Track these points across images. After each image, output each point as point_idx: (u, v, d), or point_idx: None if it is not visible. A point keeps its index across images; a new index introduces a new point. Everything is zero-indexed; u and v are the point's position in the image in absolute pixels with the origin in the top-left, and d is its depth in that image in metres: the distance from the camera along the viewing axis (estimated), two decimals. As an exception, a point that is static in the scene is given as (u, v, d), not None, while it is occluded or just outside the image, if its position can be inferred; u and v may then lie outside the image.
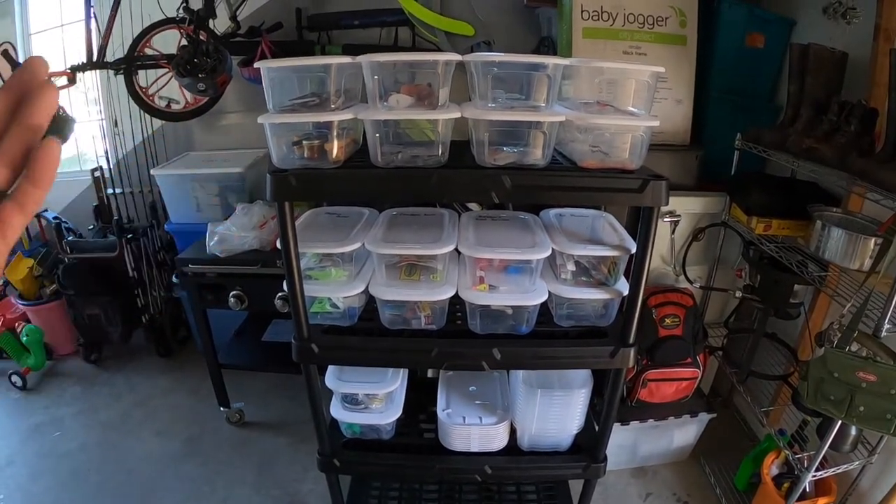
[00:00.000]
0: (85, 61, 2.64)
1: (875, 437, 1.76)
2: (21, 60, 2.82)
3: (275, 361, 2.45)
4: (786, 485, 1.88)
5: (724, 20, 2.27)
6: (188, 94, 2.59)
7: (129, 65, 2.59)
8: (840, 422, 1.58)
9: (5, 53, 2.66)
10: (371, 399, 1.68)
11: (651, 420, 2.13)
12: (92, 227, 3.05)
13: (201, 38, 2.38)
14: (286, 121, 1.32)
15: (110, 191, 2.98)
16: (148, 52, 2.61)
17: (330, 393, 1.72)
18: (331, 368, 1.72)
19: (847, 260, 1.67)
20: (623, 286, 1.48)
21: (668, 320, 2.02)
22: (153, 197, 2.97)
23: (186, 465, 2.36)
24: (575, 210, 1.72)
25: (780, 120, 2.02)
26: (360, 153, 1.42)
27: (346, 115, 1.31)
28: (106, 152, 2.96)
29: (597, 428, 1.70)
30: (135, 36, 2.60)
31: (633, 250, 1.43)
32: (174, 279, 2.70)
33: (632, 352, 1.49)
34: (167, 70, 2.54)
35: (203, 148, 2.87)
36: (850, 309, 1.57)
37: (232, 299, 2.11)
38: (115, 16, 2.59)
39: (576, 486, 1.93)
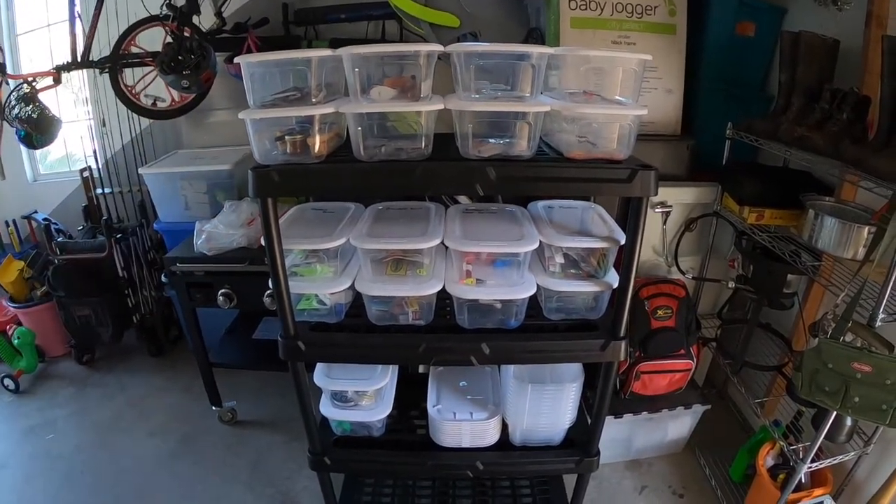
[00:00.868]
0: (70, 61, 2.62)
1: (870, 427, 1.75)
2: (7, 61, 2.80)
3: (266, 359, 2.43)
4: (781, 476, 1.87)
5: (714, 8, 2.24)
6: (174, 92, 2.57)
7: (114, 63, 2.56)
8: (835, 413, 1.57)
9: (-8, 54, 2.64)
10: (361, 396, 1.67)
11: (645, 413, 2.12)
12: (82, 227, 3.02)
13: (185, 34, 2.36)
14: (267, 116, 1.30)
15: (99, 191, 2.96)
16: (133, 50, 2.58)
17: (320, 391, 1.70)
18: (319, 366, 1.70)
19: (840, 249, 1.65)
20: (613, 278, 1.47)
21: (660, 312, 2.01)
22: (142, 196, 2.95)
23: (180, 465, 2.34)
24: (564, 202, 1.71)
25: (772, 109, 2.00)
26: (345, 148, 1.41)
27: (328, 109, 1.29)
28: (94, 152, 2.94)
29: (589, 422, 1.69)
30: (119, 34, 2.58)
31: (623, 241, 1.41)
32: (164, 278, 2.68)
33: (623, 344, 1.47)
34: (152, 68, 2.51)
35: (192, 146, 2.85)
36: (844, 299, 1.55)
37: (220, 298, 2.09)
38: (99, 14, 2.57)
39: (570, 481, 1.91)
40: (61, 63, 2.62)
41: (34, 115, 2.55)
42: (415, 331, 1.50)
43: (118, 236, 2.76)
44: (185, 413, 2.63)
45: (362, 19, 2.63)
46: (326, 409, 1.70)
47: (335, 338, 1.51)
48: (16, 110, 2.55)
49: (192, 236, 2.15)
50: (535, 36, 2.46)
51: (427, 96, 1.31)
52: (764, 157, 2.25)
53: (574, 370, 1.65)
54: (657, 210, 2.09)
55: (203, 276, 2.13)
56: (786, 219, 1.93)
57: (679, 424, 2.24)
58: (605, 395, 1.57)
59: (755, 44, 2.29)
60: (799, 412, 1.92)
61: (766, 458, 1.96)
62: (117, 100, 2.65)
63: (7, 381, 2.81)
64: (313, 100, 1.32)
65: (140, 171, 2.57)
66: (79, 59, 2.61)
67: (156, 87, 2.62)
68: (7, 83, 2.66)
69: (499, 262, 1.47)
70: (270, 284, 1.41)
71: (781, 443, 1.85)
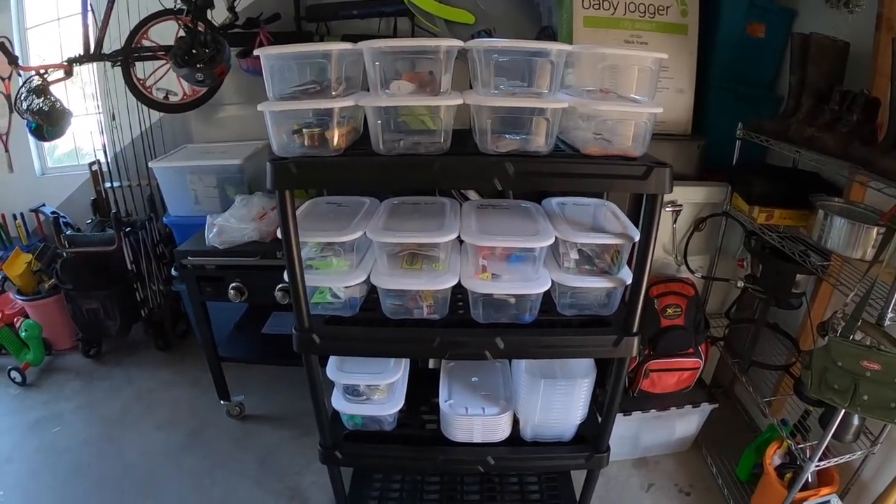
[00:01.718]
0: (82, 53, 2.63)
1: (877, 427, 1.75)
2: (18, 54, 2.81)
3: (275, 354, 2.43)
4: (788, 475, 1.87)
5: (725, 9, 2.25)
6: (186, 86, 2.58)
7: (127, 56, 2.57)
8: (843, 411, 1.57)
9: (2, 47, 2.65)
10: (373, 390, 1.68)
11: (653, 410, 2.12)
12: (90, 221, 3.03)
13: (199, 28, 2.36)
14: (287, 108, 1.31)
15: (108, 184, 2.97)
16: (145, 43, 2.59)
17: (331, 385, 1.71)
18: (332, 360, 1.71)
19: (849, 249, 1.66)
20: (626, 275, 1.48)
21: (669, 310, 2.01)
22: (151, 190, 2.95)
23: (187, 459, 2.34)
24: (577, 199, 1.72)
25: (782, 110, 2.01)
26: (361, 141, 1.41)
27: (348, 102, 1.30)
28: (104, 146, 2.95)
29: (599, 418, 1.69)
30: (132, 27, 2.58)
31: (637, 238, 1.42)
32: (173, 272, 2.68)
33: (635, 341, 1.48)
34: (165, 62, 2.52)
35: (201, 140, 2.86)
36: (854, 298, 1.56)
37: (231, 291, 2.10)
38: (112, 7, 2.58)
39: (578, 478, 1.93)
40: (73, 56, 2.63)
41: (45, 108, 2.56)
42: (429, 325, 1.50)
43: (127, 230, 2.76)
44: (193, 407, 2.63)
45: (374, 16, 2.63)
46: (338, 402, 1.71)
47: (350, 331, 1.51)
48: (27, 102, 2.56)
49: (202, 230, 2.16)
50: (548, 34, 2.46)
51: (446, 91, 1.32)
52: (773, 158, 2.25)
53: (586, 366, 1.66)
54: (667, 209, 2.10)
55: (214, 269, 2.13)
56: (795, 219, 1.94)
57: (686, 423, 2.24)
58: (616, 391, 1.58)
59: (766, 45, 2.30)
60: (806, 411, 1.93)
61: (774, 456, 1.96)
62: (127, 93, 2.66)
63: (14, 374, 2.81)
64: (333, 93, 1.32)
65: (150, 164, 2.58)
66: (91, 52, 2.62)
67: (167, 81, 2.63)
68: (19, 75, 2.67)
69: (514, 258, 1.48)
70: (286, 277, 1.41)
71: (789, 441, 1.85)
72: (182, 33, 2.43)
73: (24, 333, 2.85)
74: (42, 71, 2.61)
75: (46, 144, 3.37)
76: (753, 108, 2.23)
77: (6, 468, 2.33)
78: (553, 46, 1.27)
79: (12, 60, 2.66)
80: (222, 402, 2.49)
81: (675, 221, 2.14)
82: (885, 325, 1.45)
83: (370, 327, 1.51)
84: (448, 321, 1.51)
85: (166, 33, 2.55)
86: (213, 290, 2.15)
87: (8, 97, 2.89)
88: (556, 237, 1.44)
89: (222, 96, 2.68)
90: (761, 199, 1.96)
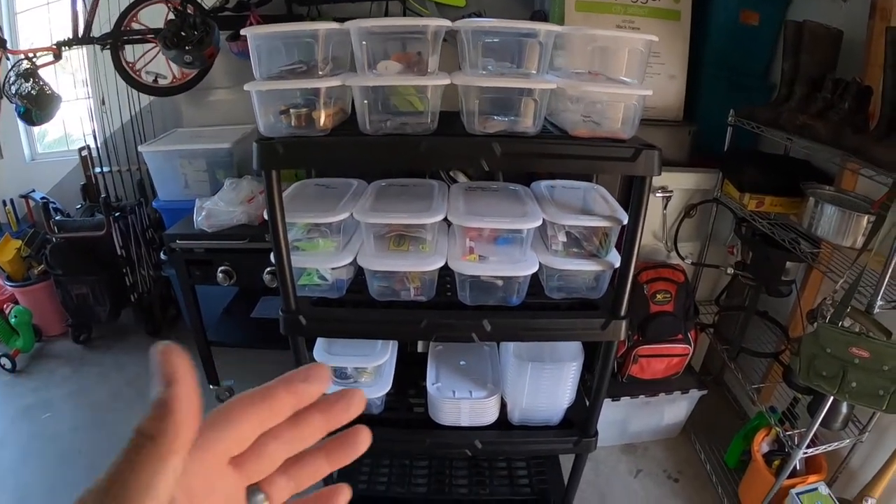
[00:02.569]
0: (71, 37, 2.60)
1: (866, 415, 1.75)
2: (7, 37, 2.77)
3: (264, 338, 2.43)
4: (776, 462, 1.88)
5: (719, -4, 2.24)
6: (175, 69, 2.55)
7: (116, 40, 2.55)
8: (832, 398, 1.58)
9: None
10: (360, 373, 1.67)
11: (642, 396, 2.13)
12: (80, 206, 3.01)
13: (189, 10, 2.34)
14: (273, 88, 1.29)
15: (98, 170, 2.95)
16: (134, 26, 2.56)
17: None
18: (319, 342, 1.70)
19: (840, 237, 1.66)
20: (615, 258, 1.47)
21: (659, 296, 2.02)
22: (141, 175, 2.94)
23: (176, 444, 2.33)
24: (566, 182, 1.71)
25: (774, 97, 2.01)
26: (349, 123, 1.40)
27: (334, 82, 1.29)
28: (93, 131, 2.93)
29: (587, 402, 1.69)
30: (121, 11, 2.56)
31: (625, 221, 1.41)
32: (162, 256, 2.67)
33: (623, 324, 1.47)
34: (154, 45, 2.49)
35: (191, 124, 2.83)
36: (843, 285, 1.56)
37: (220, 275, 2.09)
38: (101, -10, 2.55)
39: (566, 462, 1.93)
40: (62, 39, 2.60)
41: (33, 92, 2.54)
42: (416, 307, 1.50)
43: (117, 215, 2.75)
44: (183, 392, 2.61)
45: (365, -1, 2.61)
46: (326, 385, 1.70)
47: (336, 313, 1.50)
48: (16, 86, 2.53)
49: (192, 214, 2.14)
50: (539, 18, 2.45)
51: (434, 72, 1.31)
52: (764, 145, 2.26)
53: (574, 349, 1.65)
54: (658, 195, 2.10)
55: (203, 253, 2.12)
56: (786, 206, 1.94)
57: (675, 409, 2.25)
58: (604, 375, 1.58)
59: (759, 32, 2.29)
60: (795, 399, 1.93)
61: (762, 444, 1.97)
62: (117, 78, 2.64)
63: (3, 361, 2.80)
64: (320, 73, 1.31)
65: (140, 148, 2.56)
66: (80, 36, 2.59)
67: (157, 65, 2.61)
68: (7, 59, 2.64)
69: (501, 240, 1.48)
70: (272, 258, 1.40)
71: (777, 428, 1.86)
72: (172, 16, 2.41)
73: (13, 320, 2.83)
74: (31, 55, 2.58)
75: (36, 130, 3.35)
76: (746, 96, 2.22)
77: (-4, 455, 2.32)
78: (542, 27, 1.26)
79: (1, 44, 2.63)
80: (211, 386, 2.48)
81: (665, 207, 2.14)
82: (875, 312, 1.45)
83: (357, 309, 1.50)
84: (435, 303, 1.51)
85: (156, 16, 2.53)
86: (201, 273, 2.14)
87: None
88: (543, 219, 1.43)
89: (212, 80, 2.66)
90: (752, 186, 1.96)
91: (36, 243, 2.96)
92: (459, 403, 1.66)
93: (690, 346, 2.10)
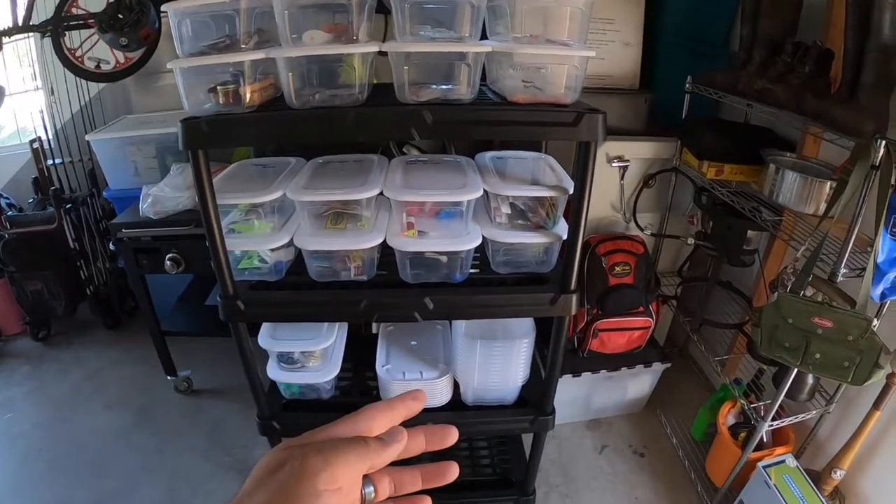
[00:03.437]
0: (11, 25, 2.50)
1: (833, 385, 1.73)
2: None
3: (218, 326, 2.35)
4: (742, 435, 1.86)
5: (675, -39, 2.19)
6: (119, 54, 2.46)
7: (56, 26, 2.45)
8: (796, 370, 1.55)
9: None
10: (307, 357, 1.62)
11: (603, 371, 2.10)
12: (32, 200, 2.92)
13: (126, -8, 2.25)
14: (193, 64, 1.23)
15: (50, 162, 2.86)
16: (75, 11, 2.47)
17: (267, 354, 1.65)
18: (264, 327, 1.65)
19: (802, 204, 1.64)
20: (562, 229, 1.42)
21: (618, 268, 1.97)
22: (93, 164, 2.85)
23: (136, 437, 2.30)
24: (514, 153, 1.65)
25: (733, 63, 1.96)
26: (280, 98, 1.34)
27: (257, 55, 1.23)
28: (43, 122, 2.84)
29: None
30: (62, -5, 2.46)
31: (571, 190, 1.36)
32: (111, 247, 2.60)
33: (573, 298, 1.43)
34: (94, 30, 2.40)
35: (142, 110, 2.74)
36: (805, 253, 1.53)
37: (168, 263, 2.02)
38: (39, -24, 2.45)
39: (529, 441, 1.90)
40: (2, 28, 2.50)
41: (-27, 83, 2.44)
42: (357, 287, 1.44)
43: (68, 206, 2.67)
44: (142, 384, 2.58)
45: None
46: (274, 371, 1.65)
47: (274, 296, 1.45)
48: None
49: (138, 202, 2.07)
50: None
51: (364, 41, 1.25)
52: (726, 114, 2.21)
53: (525, 326, 1.61)
54: (614, 165, 2.04)
55: (150, 241, 2.06)
56: (746, 174, 1.91)
57: (639, 383, 2.23)
58: (557, 352, 1.53)
59: (717, -1, 2.24)
60: (760, 370, 1.91)
61: (727, 416, 1.95)
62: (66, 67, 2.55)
63: (-38, 363, 2.72)
64: (242, 46, 1.25)
65: (87, 137, 2.47)
66: (20, 24, 2.49)
67: (100, 50, 2.52)
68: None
69: (443, 214, 1.42)
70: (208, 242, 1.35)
71: (742, 401, 1.83)
72: (111, -1, 2.32)
73: (-30, 320, 2.75)
74: (-32, 45, 2.49)
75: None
76: (707, 63, 2.16)
77: (-40, 457, 2.27)
78: (471, -15, 1.20)
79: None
80: (169, 377, 2.44)
81: (622, 178, 2.09)
82: (838, 280, 1.42)
83: (295, 291, 1.45)
84: (376, 282, 1.45)
85: (97, 0, 2.43)
86: (150, 262, 2.08)
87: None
88: (485, 191, 1.38)
89: (160, 64, 2.55)
90: (711, 153, 1.92)
91: (-11, 240, 2.87)
92: (410, 385, 1.61)
93: (652, 318, 2.07)
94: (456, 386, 1.69)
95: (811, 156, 1.82)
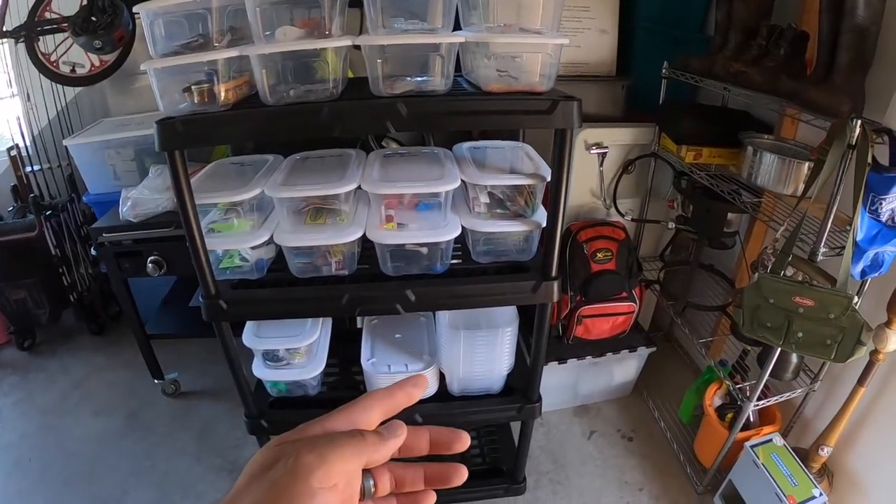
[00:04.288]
0: (-18, 32, 2.47)
1: (817, 364, 1.75)
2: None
3: (204, 326, 2.35)
4: (729, 415, 1.89)
5: (649, -54, 2.19)
6: (93, 58, 2.44)
7: (30, 31, 2.42)
8: (779, 350, 1.56)
9: None
10: (292, 354, 1.62)
11: (589, 357, 2.11)
12: (11, 208, 2.89)
13: (99, -5, 2.23)
14: (166, 64, 1.22)
15: (29, 168, 2.83)
16: (48, 16, 2.44)
17: (252, 353, 1.65)
18: (248, 326, 1.65)
19: (780, 186, 1.65)
20: (541, 217, 1.43)
21: (599, 255, 1.99)
22: (72, 170, 2.82)
23: (126, 442, 2.29)
24: (491, 143, 1.66)
25: (709, 47, 1.97)
26: (255, 96, 1.33)
27: (230, 53, 1.23)
28: (21, 129, 2.80)
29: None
30: (34, 0, 2.43)
31: (548, 178, 1.37)
32: (93, 252, 2.58)
33: (555, 285, 1.44)
34: (68, 33, 2.38)
35: (119, 113, 2.71)
36: (784, 233, 1.54)
37: (150, 265, 2.01)
38: (11, -19, 2.42)
39: (518, 429, 1.91)
40: (-27, 34, 2.47)
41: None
42: (339, 281, 1.45)
43: (48, 213, 2.64)
44: (129, 389, 2.56)
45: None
46: (259, 370, 1.65)
47: (256, 294, 1.45)
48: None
49: (118, 205, 2.06)
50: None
51: (337, 35, 1.25)
52: (703, 98, 2.23)
53: (508, 315, 1.61)
54: (593, 152, 2.05)
55: (131, 244, 2.04)
56: (725, 157, 1.92)
57: (625, 368, 2.24)
58: (540, 339, 1.55)
59: (693, -17, 2.25)
60: (744, 351, 1.93)
61: (714, 398, 1.97)
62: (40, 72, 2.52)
63: (-53, 375, 2.69)
64: (215, 44, 1.25)
65: (65, 142, 2.44)
66: (-8, 30, 2.46)
67: (75, 54, 2.49)
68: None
69: (422, 206, 1.43)
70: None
71: (727, 382, 1.85)
72: (84, 1, 2.30)
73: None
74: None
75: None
76: (683, 49, 2.17)
77: (-52, 469, 2.25)
78: (441, -23, 1.20)
79: None
80: (156, 380, 2.43)
81: (601, 164, 2.09)
82: (818, 259, 1.43)
83: (276, 288, 1.45)
84: (357, 276, 1.46)
85: (70, 4, 2.40)
86: (132, 266, 2.07)
87: None
88: (462, 181, 1.38)
89: (136, 66, 2.53)
90: (689, 137, 1.93)
91: (-31, 250, 2.84)
92: (395, 378, 1.60)
93: (636, 303, 2.08)
94: (442, 377, 1.70)
95: (788, 137, 1.84)
